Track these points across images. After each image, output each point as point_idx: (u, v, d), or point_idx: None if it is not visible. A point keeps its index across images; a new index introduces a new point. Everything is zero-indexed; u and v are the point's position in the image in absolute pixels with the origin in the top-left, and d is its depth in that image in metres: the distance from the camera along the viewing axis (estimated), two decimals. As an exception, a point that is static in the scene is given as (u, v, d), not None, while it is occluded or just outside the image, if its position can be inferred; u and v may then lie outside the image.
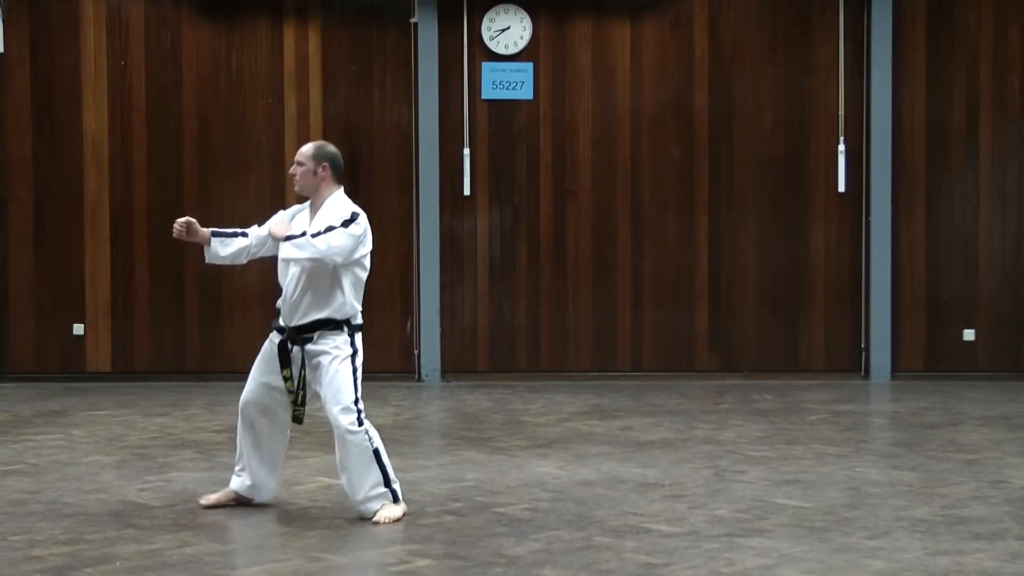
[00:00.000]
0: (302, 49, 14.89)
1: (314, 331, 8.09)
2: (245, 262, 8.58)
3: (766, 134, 14.96)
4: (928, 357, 14.99)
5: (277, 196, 14.41)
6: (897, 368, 14.89)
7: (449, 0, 14.80)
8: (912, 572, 6.83)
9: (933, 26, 14.89)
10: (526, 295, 14.99)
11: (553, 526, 7.87)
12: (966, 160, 14.93)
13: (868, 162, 14.84)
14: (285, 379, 8.13)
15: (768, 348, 15.01)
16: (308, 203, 8.33)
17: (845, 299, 15.00)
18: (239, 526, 7.98)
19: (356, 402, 7.99)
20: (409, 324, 14.94)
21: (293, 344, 8.12)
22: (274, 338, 8.23)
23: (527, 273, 15.00)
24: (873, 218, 14.80)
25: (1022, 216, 14.95)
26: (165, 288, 14.89)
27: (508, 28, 14.86)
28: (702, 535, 7.64)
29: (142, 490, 8.96)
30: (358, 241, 8.08)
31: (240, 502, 8.42)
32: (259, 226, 8.45)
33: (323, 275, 8.06)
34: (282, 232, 8.12)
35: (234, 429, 8.68)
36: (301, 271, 8.07)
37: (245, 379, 8.35)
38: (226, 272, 14.61)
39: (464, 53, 14.84)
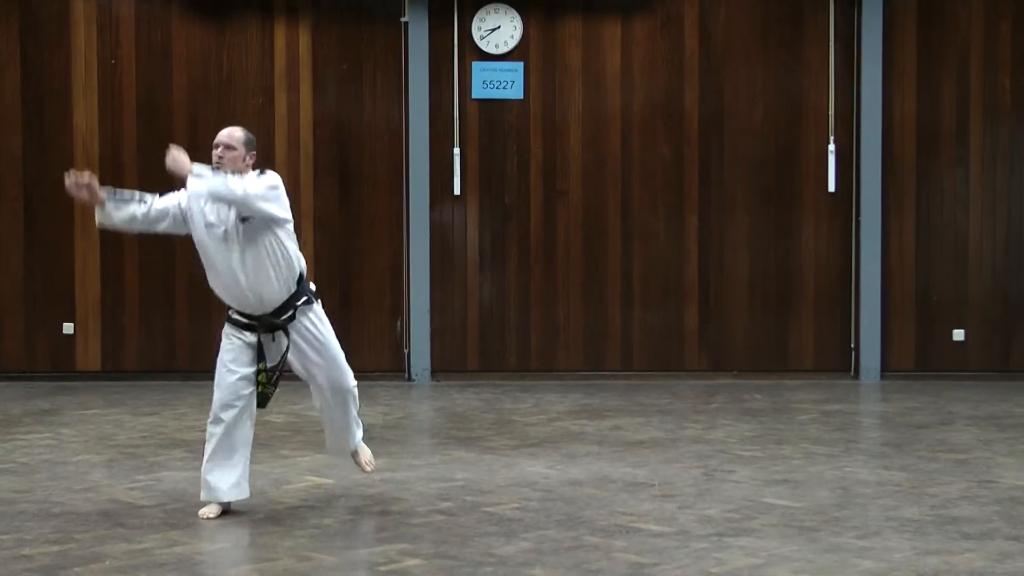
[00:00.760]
0: (292, 48, 14.88)
1: (288, 311, 8.04)
2: (137, 231, 8.35)
3: (756, 134, 14.97)
4: (918, 357, 15.00)
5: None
6: (887, 368, 14.90)
7: (440, -1, 14.84)
8: (901, 572, 6.84)
9: (923, 26, 14.90)
10: (516, 294, 15.00)
11: (543, 525, 7.87)
12: (956, 160, 14.94)
13: (858, 162, 14.85)
14: (260, 371, 8.07)
15: (758, 348, 15.01)
16: None
17: (835, 299, 15.01)
18: (228, 525, 7.97)
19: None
20: (399, 323, 14.94)
21: (269, 332, 8.04)
22: (246, 336, 8.11)
23: (517, 272, 15.00)
24: (863, 218, 14.81)
25: (1012, 216, 14.97)
26: (155, 287, 14.88)
27: (498, 27, 14.86)
28: (691, 535, 7.64)
29: (131, 489, 8.94)
30: (273, 191, 7.85)
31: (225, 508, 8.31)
32: (160, 196, 8.20)
33: (266, 243, 7.89)
34: (185, 164, 7.79)
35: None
36: (242, 250, 7.88)
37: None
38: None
39: (455, 52, 14.84)
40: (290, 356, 8.11)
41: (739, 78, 14.96)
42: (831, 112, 14.86)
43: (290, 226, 8.07)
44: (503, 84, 14.87)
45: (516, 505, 8.44)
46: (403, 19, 14.77)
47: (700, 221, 14.99)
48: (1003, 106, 14.92)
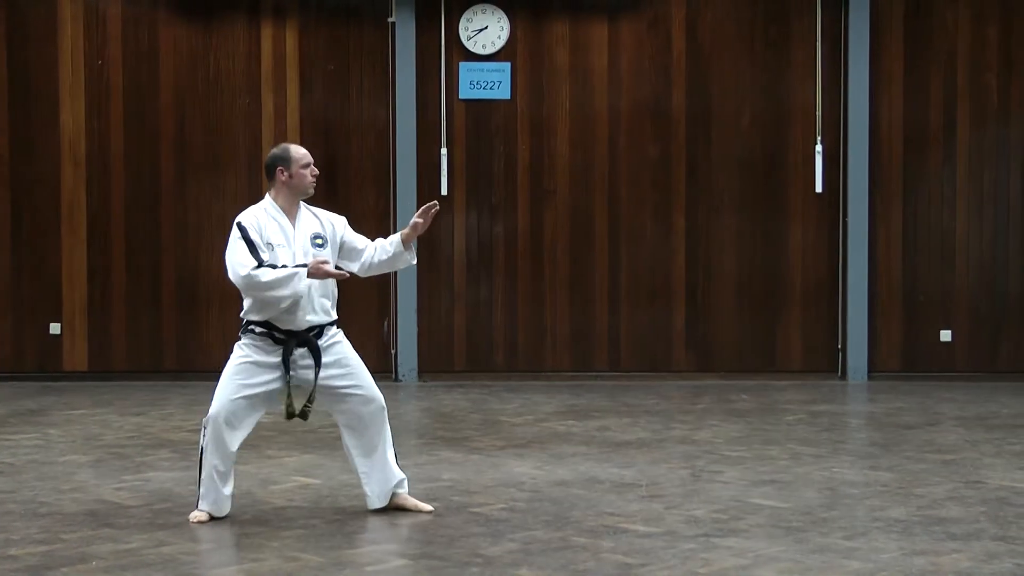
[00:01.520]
0: (279, 48, 14.87)
1: (321, 327, 8.07)
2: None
3: (743, 134, 14.98)
4: (905, 358, 15.03)
5: (254, 195, 14.25)
6: (874, 368, 14.92)
7: (426, 0, 14.80)
8: (889, 572, 6.84)
9: (910, 27, 14.92)
10: (503, 295, 14.99)
11: (530, 526, 7.87)
12: (943, 161, 14.97)
13: (845, 162, 14.87)
14: (289, 392, 8.00)
15: (745, 348, 15.03)
16: (270, 207, 8.23)
17: (822, 299, 15.02)
18: (215, 526, 7.95)
19: None
20: (386, 324, 14.93)
21: (302, 346, 8.00)
22: (268, 357, 8.00)
23: (504, 272, 15.00)
24: (850, 219, 14.83)
25: (999, 217, 14.99)
26: (142, 287, 14.86)
27: (486, 28, 14.85)
28: (679, 535, 7.64)
29: (118, 489, 8.93)
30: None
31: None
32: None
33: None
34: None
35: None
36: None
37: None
38: (203, 271, 14.64)
39: (442, 53, 14.84)
40: (320, 382, 7.99)
41: (726, 79, 14.97)
42: (818, 113, 14.88)
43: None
44: (490, 84, 14.87)
45: (503, 506, 8.43)
46: (390, 20, 14.77)
47: (687, 222, 14.99)
48: (989, 107, 14.94)
